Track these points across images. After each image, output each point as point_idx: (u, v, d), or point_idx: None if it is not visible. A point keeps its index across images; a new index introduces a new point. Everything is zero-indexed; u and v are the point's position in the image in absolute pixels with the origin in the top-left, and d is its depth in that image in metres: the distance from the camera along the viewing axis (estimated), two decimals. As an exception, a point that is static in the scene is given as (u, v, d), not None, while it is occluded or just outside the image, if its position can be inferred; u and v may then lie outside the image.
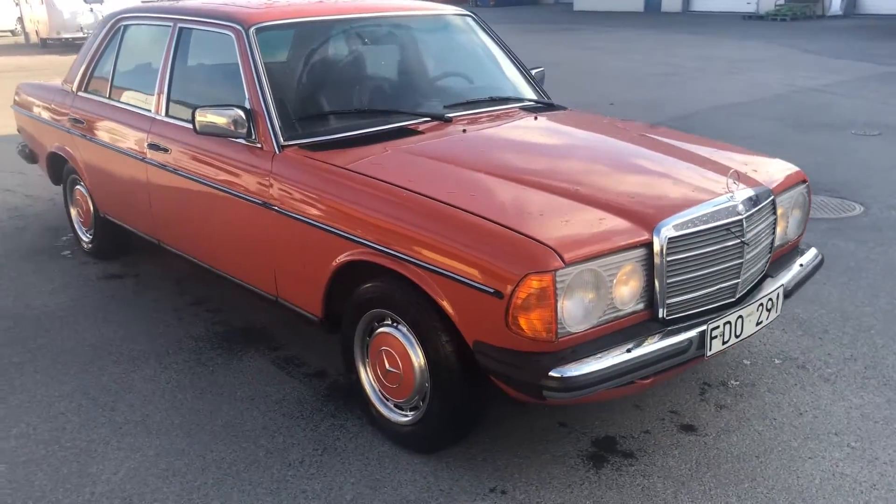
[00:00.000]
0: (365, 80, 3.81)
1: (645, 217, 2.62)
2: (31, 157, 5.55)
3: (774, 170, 3.23)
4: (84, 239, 5.05)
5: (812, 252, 3.37)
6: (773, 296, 2.96)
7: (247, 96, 3.38)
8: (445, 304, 2.60)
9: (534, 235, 2.46)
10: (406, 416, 2.95)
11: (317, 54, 3.69)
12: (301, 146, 3.24)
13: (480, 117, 3.64)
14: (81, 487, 2.79)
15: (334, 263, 2.96)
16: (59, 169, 5.10)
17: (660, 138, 3.54)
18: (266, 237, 3.27)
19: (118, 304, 4.36)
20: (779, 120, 9.09)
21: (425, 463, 2.89)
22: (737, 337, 2.81)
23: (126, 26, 4.40)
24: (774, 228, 3.06)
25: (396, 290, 2.80)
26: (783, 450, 2.93)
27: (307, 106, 3.49)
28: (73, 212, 5.11)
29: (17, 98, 5.52)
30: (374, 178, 2.91)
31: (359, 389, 3.11)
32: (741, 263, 2.81)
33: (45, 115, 5.02)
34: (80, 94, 4.66)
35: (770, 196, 2.99)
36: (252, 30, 3.48)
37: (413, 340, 2.80)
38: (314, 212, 3.00)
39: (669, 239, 2.58)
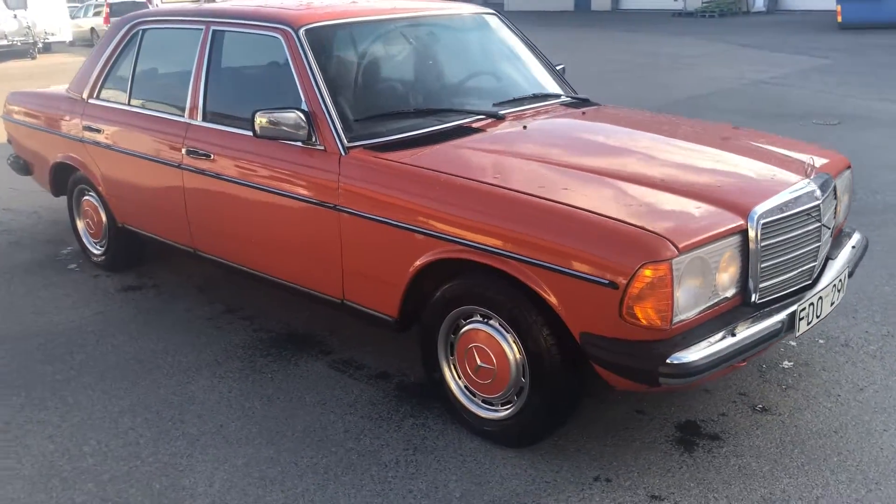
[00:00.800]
0: (415, 79, 3.81)
1: (737, 204, 2.70)
2: (24, 169, 5.35)
3: (826, 156, 3.35)
4: (94, 251, 4.89)
5: (857, 234, 3.52)
6: (842, 276, 3.09)
7: (303, 98, 3.34)
8: (551, 298, 2.62)
9: (644, 226, 2.51)
10: (498, 411, 2.96)
11: (367, 55, 3.68)
12: (366, 147, 3.22)
13: (529, 113, 3.69)
14: (180, 501, 2.73)
15: (418, 262, 2.95)
16: (64, 180, 4.93)
17: (708, 131, 3.65)
18: (332, 240, 3.23)
19: (147, 316, 4.25)
20: (739, 112, 9.39)
21: (520, 456, 2.92)
22: (818, 317, 2.92)
23: (145, 31, 4.29)
24: (836, 212, 3.19)
25: (490, 285, 2.82)
26: (857, 424, 3.05)
27: (364, 106, 3.47)
28: (81, 223, 4.94)
29: (7, 108, 5.31)
30: (458, 175, 2.92)
31: (442, 388, 3.11)
32: (818, 247, 2.92)
33: (48, 124, 4.85)
34: (91, 101, 4.52)
35: (833, 181, 3.11)
36: (302, 31, 3.44)
37: (507, 335, 2.83)
38: (395, 213, 2.99)
39: (763, 224, 2.67)
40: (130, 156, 4.18)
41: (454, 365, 3.06)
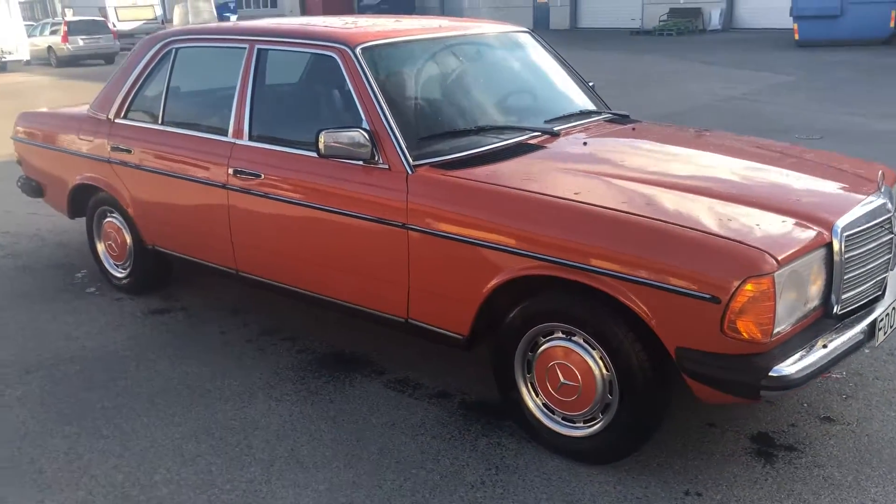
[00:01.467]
0: (467, 96, 3.80)
1: (820, 218, 2.75)
2: (36, 191, 5.20)
3: (878, 169, 3.43)
4: (116, 274, 4.77)
5: (907, 246, 3.60)
6: (908, 288, 3.15)
7: (363, 117, 3.32)
8: (645, 314, 2.63)
9: (742, 240, 2.54)
10: (579, 428, 2.95)
11: (421, 73, 3.67)
12: (432, 165, 3.21)
13: (580, 130, 3.71)
14: (271, 529, 2.67)
15: (496, 280, 2.94)
16: (83, 202, 4.80)
17: (761, 146, 3.72)
18: (399, 259, 3.20)
19: (183, 340, 4.15)
20: (722, 127, 9.49)
21: (604, 473, 2.91)
22: (891, 327, 2.98)
23: (178, 49, 4.21)
24: (894, 224, 3.26)
25: (575, 302, 2.82)
26: (925, 431, 3.12)
27: (425, 124, 3.45)
28: (101, 246, 4.82)
29: (19, 129, 5.17)
30: (537, 192, 2.92)
31: (519, 407, 3.09)
32: (891, 258, 2.99)
33: (67, 144, 4.72)
34: (118, 121, 4.42)
35: (892, 194, 3.19)
36: (359, 49, 3.42)
37: (593, 351, 2.82)
38: (472, 231, 2.97)
39: (846, 237, 2.72)
40: (166, 176, 4.09)
41: (532, 383, 3.05)
